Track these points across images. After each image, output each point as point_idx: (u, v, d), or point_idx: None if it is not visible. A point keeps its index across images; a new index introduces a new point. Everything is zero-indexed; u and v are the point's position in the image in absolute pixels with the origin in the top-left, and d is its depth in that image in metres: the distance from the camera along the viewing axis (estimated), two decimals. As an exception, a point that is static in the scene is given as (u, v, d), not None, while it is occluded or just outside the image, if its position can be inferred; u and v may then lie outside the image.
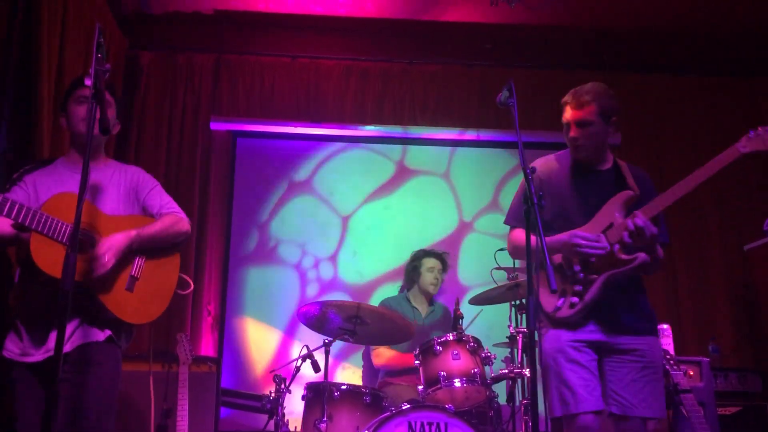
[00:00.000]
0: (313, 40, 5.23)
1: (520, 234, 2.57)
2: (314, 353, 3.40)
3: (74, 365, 2.20)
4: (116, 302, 2.31)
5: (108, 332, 2.29)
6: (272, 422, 3.32)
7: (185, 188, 4.79)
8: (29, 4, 3.62)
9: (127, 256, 2.35)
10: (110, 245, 2.28)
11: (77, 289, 2.14)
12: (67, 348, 2.20)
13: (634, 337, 2.38)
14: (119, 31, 4.79)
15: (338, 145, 5.14)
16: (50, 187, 2.36)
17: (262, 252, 4.91)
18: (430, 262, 4.08)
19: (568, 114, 2.60)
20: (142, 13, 5.02)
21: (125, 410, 3.39)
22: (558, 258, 2.45)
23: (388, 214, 5.02)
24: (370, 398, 3.23)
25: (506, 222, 2.67)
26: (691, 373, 3.14)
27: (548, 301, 2.43)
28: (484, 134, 5.11)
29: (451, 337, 3.25)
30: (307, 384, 3.37)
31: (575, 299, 2.36)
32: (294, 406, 3.67)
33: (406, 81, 5.25)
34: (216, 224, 4.89)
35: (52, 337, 2.12)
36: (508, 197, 3.67)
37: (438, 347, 3.24)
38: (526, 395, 3.27)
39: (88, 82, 2.08)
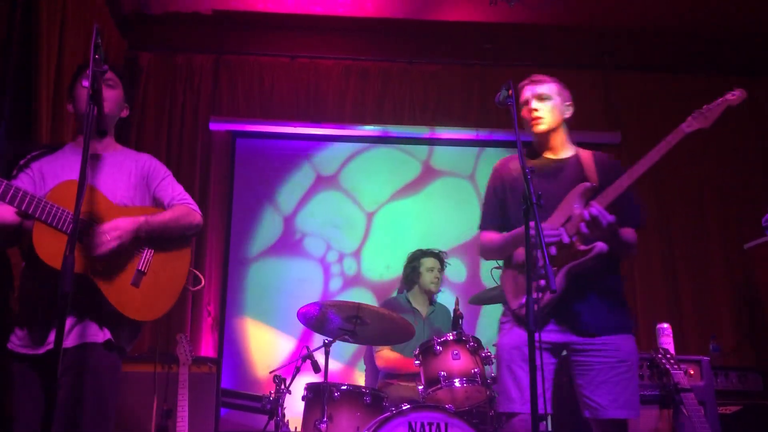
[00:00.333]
0: (313, 40, 5.23)
1: (490, 236, 2.59)
2: (315, 353, 3.40)
3: (71, 369, 2.13)
4: (119, 297, 2.21)
5: (107, 334, 2.20)
6: (272, 423, 3.32)
7: (185, 188, 4.74)
8: (29, 5, 3.62)
9: (134, 247, 2.26)
10: (115, 226, 2.19)
11: (79, 282, 2.11)
12: (68, 343, 2.13)
13: (602, 337, 2.34)
14: (118, 32, 4.79)
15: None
16: (57, 173, 2.28)
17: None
18: (429, 262, 4.08)
19: (528, 92, 2.60)
20: (142, 13, 5.03)
21: (125, 411, 3.39)
22: (521, 256, 2.44)
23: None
24: (370, 398, 3.22)
25: (480, 225, 2.67)
26: (692, 372, 3.14)
27: (513, 297, 2.44)
28: (484, 134, 5.11)
29: (451, 337, 3.24)
30: (307, 384, 3.37)
31: (539, 294, 2.34)
32: (294, 406, 3.67)
33: (406, 81, 5.25)
34: (216, 224, 4.89)
35: (54, 331, 2.02)
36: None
37: (438, 347, 3.23)
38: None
39: (85, 83, 2.06)
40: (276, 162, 5.10)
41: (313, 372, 3.37)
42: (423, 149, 5.20)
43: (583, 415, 2.35)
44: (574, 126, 5.70)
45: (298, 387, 3.43)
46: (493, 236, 2.59)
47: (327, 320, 3.37)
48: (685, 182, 5.19)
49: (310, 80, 5.19)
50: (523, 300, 2.35)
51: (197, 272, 2.68)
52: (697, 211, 5.14)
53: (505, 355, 2.41)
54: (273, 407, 3.30)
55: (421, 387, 3.29)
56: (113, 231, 2.18)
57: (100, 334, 2.20)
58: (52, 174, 2.29)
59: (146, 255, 2.31)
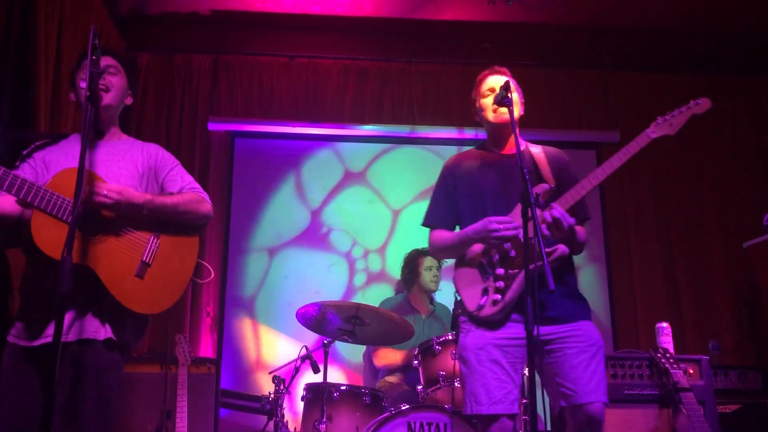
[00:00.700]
0: (311, 40, 5.23)
1: (442, 234, 2.53)
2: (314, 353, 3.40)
3: (71, 367, 2.08)
4: (123, 290, 2.15)
5: (109, 331, 2.14)
6: (272, 423, 3.32)
7: (184, 189, 4.78)
8: (26, 6, 3.61)
9: (139, 235, 2.21)
10: (120, 189, 2.13)
11: (81, 274, 2.07)
12: (69, 337, 2.08)
13: (564, 325, 2.32)
14: (117, 33, 4.78)
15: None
16: (61, 163, 2.23)
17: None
18: (427, 261, 4.07)
19: (491, 80, 2.57)
20: (140, 14, 5.02)
21: (125, 412, 3.38)
22: (477, 253, 2.41)
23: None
24: (369, 399, 3.23)
25: (426, 223, 2.61)
26: (691, 371, 3.13)
27: (471, 300, 2.38)
28: (483, 133, 5.09)
29: (451, 337, 3.24)
30: (306, 385, 3.37)
31: (497, 296, 2.32)
32: (293, 406, 3.67)
33: (405, 80, 5.25)
34: (215, 225, 4.88)
35: (52, 324, 1.92)
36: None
37: (437, 347, 3.23)
38: (526, 395, 3.26)
39: (83, 84, 2.05)
40: (275, 162, 5.09)
41: (312, 372, 3.37)
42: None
43: (558, 407, 2.31)
44: (573, 125, 5.73)
45: (298, 387, 3.43)
46: (445, 234, 2.53)
47: (326, 320, 3.37)
48: (684, 181, 5.19)
49: (309, 80, 5.18)
50: (482, 301, 2.33)
51: (206, 264, 2.59)
52: (696, 210, 5.14)
53: (470, 356, 2.34)
54: (272, 408, 3.30)
55: (420, 387, 3.29)
56: (114, 192, 2.12)
57: (101, 331, 2.13)
58: (56, 163, 2.24)
59: (151, 246, 2.24)
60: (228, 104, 5.08)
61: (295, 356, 3.45)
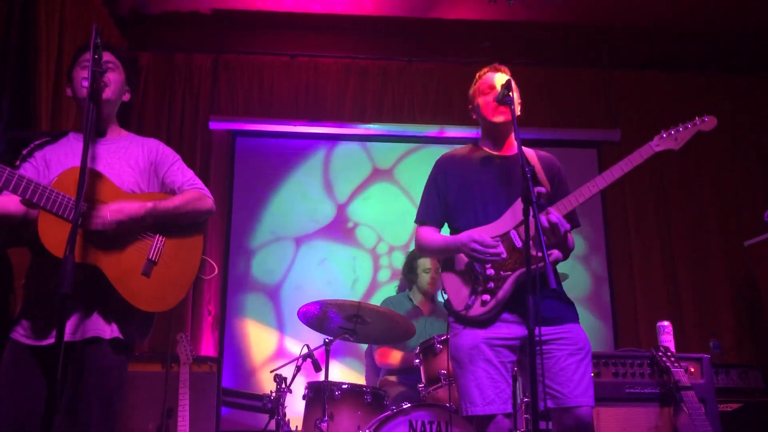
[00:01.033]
0: (312, 39, 5.23)
1: (431, 234, 2.50)
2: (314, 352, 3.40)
3: (76, 367, 2.08)
4: (129, 288, 2.14)
5: (115, 330, 2.14)
6: (273, 422, 3.32)
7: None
8: (27, 6, 3.62)
9: (143, 235, 2.21)
10: (119, 208, 2.11)
11: (87, 273, 2.07)
12: (75, 337, 2.07)
13: (553, 327, 2.31)
14: (117, 32, 4.79)
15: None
16: (62, 161, 2.22)
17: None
18: (425, 263, 4.05)
19: (491, 78, 2.51)
20: (141, 13, 5.02)
21: (126, 411, 3.39)
22: (463, 261, 2.39)
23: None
24: (371, 397, 3.23)
25: (417, 219, 2.56)
26: (692, 370, 3.13)
27: (458, 300, 2.36)
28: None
29: (449, 336, 3.23)
30: (308, 383, 3.37)
31: (487, 297, 2.30)
32: (295, 405, 3.68)
33: (405, 79, 5.25)
34: (216, 223, 4.89)
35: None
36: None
37: (439, 345, 3.23)
38: (527, 394, 3.26)
39: (85, 83, 2.04)
40: (276, 161, 5.10)
41: (313, 371, 3.37)
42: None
43: (545, 407, 2.29)
44: (573, 124, 5.73)
45: (299, 386, 3.43)
46: (434, 235, 2.49)
47: (327, 319, 3.37)
48: (685, 180, 5.20)
49: (310, 79, 5.19)
50: (470, 301, 2.31)
51: (210, 260, 2.58)
52: (697, 209, 5.14)
53: (463, 357, 2.32)
54: (274, 406, 3.31)
55: (421, 385, 3.30)
56: (115, 213, 2.11)
57: (107, 329, 2.13)
58: (57, 162, 2.24)
59: (157, 244, 2.24)
60: (229, 103, 5.09)
61: (297, 355, 3.45)
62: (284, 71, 5.18)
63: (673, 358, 3.04)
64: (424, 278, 4.06)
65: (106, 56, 2.28)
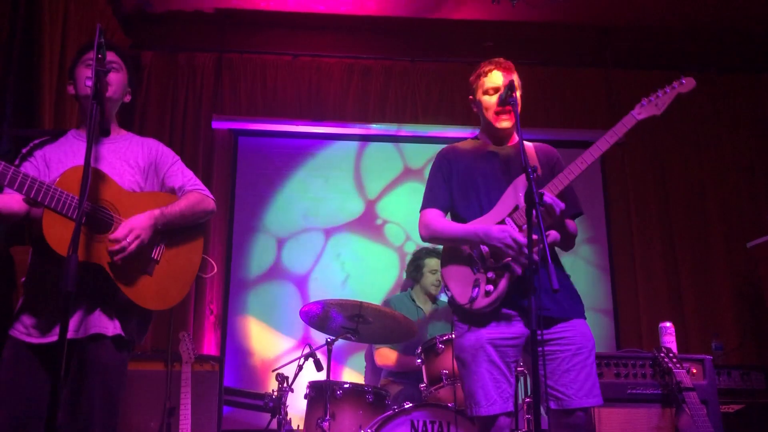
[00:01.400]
0: (315, 39, 5.23)
1: (441, 219, 2.45)
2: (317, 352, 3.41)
3: (79, 364, 2.09)
4: (133, 286, 2.17)
5: (118, 327, 2.15)
6: (275, 421, 3.33)
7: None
8: (31, 4, 3.62)
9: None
10: (132, 227, 2.14)
11: (91, 271, 2.08)
12: (78, 334, 2.08)
13: (558, 325, 2.29)
14: (121, 31, 4.79)
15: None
16: (62, 161, 2.24)
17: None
18: (432, 263, 4.04)
19: (498, 78, 2.48)
20: (144, 12, 5.03)
21: (128, 409, 3.39)
22: (466, 246, 2.37)
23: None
24: (372, 397, 3.23)
25: (426, 206, 2.51)
26: (694, 371, 3.13)
27: (462, 293, 2.33)
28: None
29: (454, 336, 3.24)
30: (309, 383, 3.37)
31: (490, 287, 2.28)
32: (297, 404, 3.68)
33: (408, 79, 5.25)
34: (218, 222, 4.89)
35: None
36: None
37: (441, 346, 3.24)
38: (529, 393, 3.26)
39: (89, 83, 2.05)
40: (278, 160, 5.10)
41: (315, 370, 3.37)
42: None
43: (547, 407, 2.29)
44: (576, 124, 5.72)
45: (301, 385, 3.43)
46: (446, 221, 2.45)
47: (329, 319, 3.38)
48: (687, 181, 5.19)
49: (312, 79, 5.19)
50: (474, 293, 2.29)
51: (210, 259, 2.61)
52: (699, 210, 5.13)
53: (467, 357, 2.32)
54: (275, 405, 3.31)
55: (423, 385, 3.30)
56: (131, 233, 2.13)
57: (109, 326, 2.14)
58: (57, 161, 2.25)
59: (159, 243, 2.27)
60: (231, 102, 5.09)
61: (299, 354, 3.45)
62: (287, 71, 5.18)
63: (675, 359, 3.04)
64: (430, 279, 4.05)
65: (110, 56, 2.29)
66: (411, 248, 4.80)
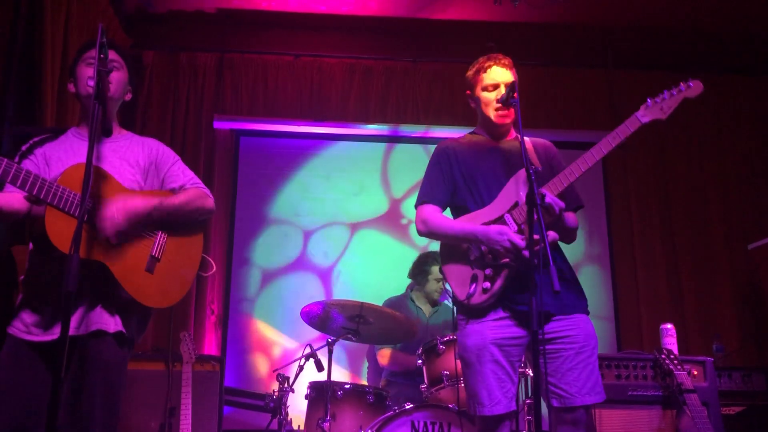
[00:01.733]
0: (316, 39, 5.23)
1: (439, 216, 2.43)
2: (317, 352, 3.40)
3: (80, 361, 2.08)
4: (134, 284, 2.16)
5: (119, 323, 2.14)
6: (275, 421, 3.33)
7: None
8: (33, 4, 3.62)
9: (147, 232, 2.22)
10: (124, 207, 2.13)
11: (93, 269, 2.08)
12: (79, 331, 2.07)
13: (560, 321, 2.28)
14: (122, 31, 4.79)
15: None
16: (62, 159, 2.23)
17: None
18: (438, 271, 4.01)
19: (497, 74, 2.47)
20: (145, 12, 5.03)
21: (129, 409, 3.39)
22: (473, 252, 2.36)
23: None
24: (373, 398, 3.23)
25: (423, 200, 2.49)
26: (695, 372, 3.12)
27: (460, 289, 2.33)
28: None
29: (454, 337, 3.24)
30: (310, 383, 3.37)
31: (487, 284, 2.28)
32: (297, 404, 3.68)
33: (410, 79, 5.25)
34: (219, 222, 4.90)
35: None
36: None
37: (441, 346, 3.23)
38: (529, 394, 3.26)
39: (90, 83, 2.04)
40: (279, 160, 5.10)
41: (316, 370, 3.37)
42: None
43: (549, 405, 2.29)
44: (577, 125, 5.71)
45: (302, 385, 3.43)
46: (442, 219, 2.44)
47: (330, 319, 3.38)
48: (688, 182, 5.19)
49: (314, 79, 5.19)
50: (471, 289, 2.29)
51: (209, 258, 2.62)
52: (700, 212, 5.13)
53: (471, 357, 2.31)
54: (276, 406, 3.31)
55: (424, 386, 3.30)
56: (122, 213, 2.12)
57: (111, 322, 2.14)
58: (57, 159, 2.24)
59: (159, 240, 2.27)
60: (233, 102, 5.09)
61: (299, 354, 3.45)
62: (288, 71, 5.18)
63: (676, 361, 3.04)
64: (434, 285, 4.05)
65: (111, 55, 2.28)
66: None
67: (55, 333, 2.08)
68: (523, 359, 2.41)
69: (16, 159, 2.25)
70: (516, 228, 2.29)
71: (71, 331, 1.97)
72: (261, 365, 4.72)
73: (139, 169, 2.34)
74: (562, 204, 2.24)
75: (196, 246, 2.39)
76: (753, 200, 5.12)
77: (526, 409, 3.24)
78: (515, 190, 2.34)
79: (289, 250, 4.95)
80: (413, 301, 4.09)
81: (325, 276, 4.93)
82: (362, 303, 3.26)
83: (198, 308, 4.67)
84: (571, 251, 2.53)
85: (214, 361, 3.74)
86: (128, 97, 2.43)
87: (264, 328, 4.80)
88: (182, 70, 5.07)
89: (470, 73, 2.58)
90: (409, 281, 4.24)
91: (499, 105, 2.44)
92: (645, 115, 2.36)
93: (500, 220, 2.33)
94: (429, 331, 3.90)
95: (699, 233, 5.08)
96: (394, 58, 5.24)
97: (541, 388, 2.04)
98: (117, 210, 2.13)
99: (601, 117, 5.29)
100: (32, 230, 2.16)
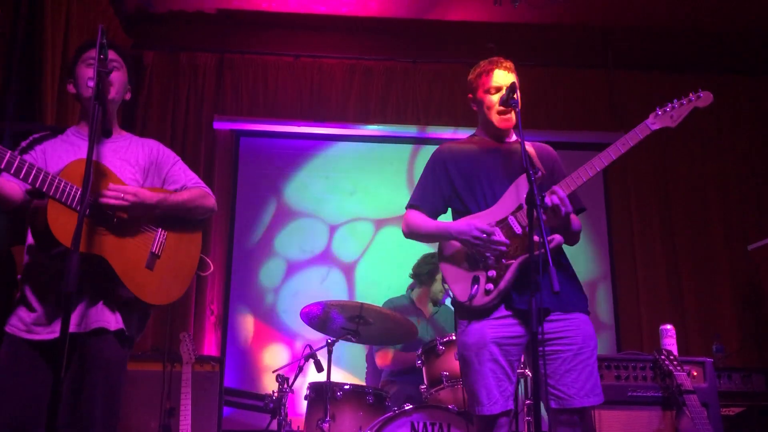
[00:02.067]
0: (316, 39, 5.23)
1: (420, 218, 2.47)
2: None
3: (80, 359, 2.06)
4: (135, 280, 2.16)
5: (120, 321, 2.13)
6: (275, 422, 3.33)
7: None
8: (34, 3, 3.63)
9: (147, 228, 2.23)
10: (135, 191, 2.16)
11: (93, 264, 2.07)
12: (80, 328, 2.07)
13: (559, 321, 2.28)
14: (122, 31, 4.80)
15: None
16: (62, 158, 2.22)
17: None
18: None
19: (499, 77, 2.50)
20: (146, 12, 5.03)
21: (129, 409, 3.39)
22: (453, 247, 2.38)
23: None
24: (372, 398, 3.23)
25: (410, 203, 2.53)
26: (695, 373, 3.12)
27: (461, 290, 2.33)
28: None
29: (454, 337, 3.24)
30: (309, 384, 3.37)
31: (490, 285, 2.28)
32: (297, 405, 3.68)
33: (410, 80, 5.25)
34: (219, 223, 4.90)
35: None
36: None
37: (441, 347, 3.23)
38: (529, 395, 3.26)
39: (90, 83, 2.04)
40: (279, 161, 5.10)
41: (315, 371, 3.37)
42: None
43: (547, 406, 2.29)
44: (578, 126, 5.71)
45: (301, 386, 3.43)
46: (424, 220, 2.46)
47: (330, 320, 3.38)
48: (688, 183, 5.19)
49: (314, 79, 5.19)
50: (473, 290, 2.29)
51: (206, 258, 2.62)
52: (700, 213, 5.13)
53: (471, 356, 2.31)
54: (276, 406, 3.31)
55: (423, 387, 3.30)
56: (131, 195, 2.14)
57: (112, 320, 2.13)
58: (56, 158, 2.24)
59: (159, 237, 2.27)
60: (233, 103, 5.09)
61: (299, 355, 3.45)
62: (288, 71, 5.18)
63: (675, 362, 3.04)
64: (438, 287, 4.04)
65: (111, 55, 2.28)
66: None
67: (55, 331, 2.07)
68: (522, 359, 2.42)
69: (16, 153, 2.25)
70: (521, 230, 2.29)
71: (71, 328, 1.96)
72: (261, 366, 4.71)
73: (139, 168, 2.35)
74: (569, 207, 2.24)
75: (195, 244, 2.40)
76: (753, 200, 5.12)
77: (525, 410, 3.24)
78: (517, 192, 2.34)
79: (289, 249, 4.95)
80: (412, 301, 4.09)
81: (325, 276, 4.92)
82: (362, 304, 3.27)
83: (198, 309, 4.67)
84: (571, 251, 2.53)
85: (213, 361, 3.74)
86: (128, 96, 2.44)
87: (264, 329, 4.79)
88: (182, 70, 5.07)
89: (472, 76, 2.60)
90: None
91: (502, 108, 2.45)
92: (654, 123, 2.39)
93: (504, 222, 2.34)
94: (429, 332, 3.90)
95: (699, 233, 5.08)
96: (394, 59, 5.24)
97: (540, 389, 2.04)
98: (124, 190, 2.14)
99: (601, 117, 5.29)
100: (33, 224, 2.14)
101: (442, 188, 2.51)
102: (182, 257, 2.34)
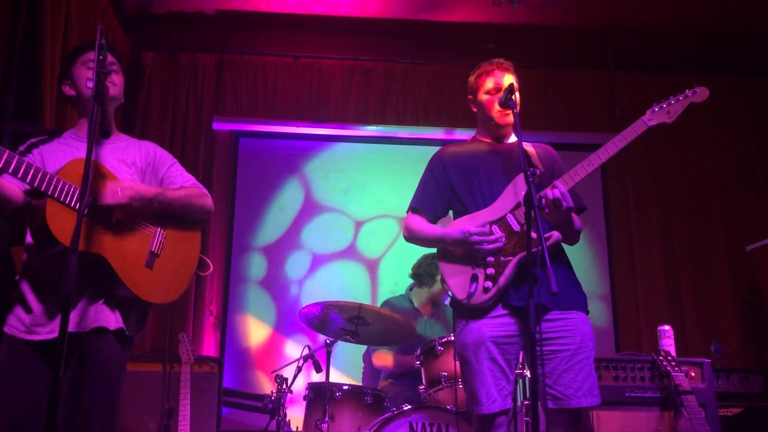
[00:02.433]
0: (316, 40, 5.24)
1: (421, 223, 2.49)
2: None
3: (80, 359, 2.06)
4: (134, 279, 2.16)
5: (120, 320, 2.14)
6: (274, 422, 3.33)
7: (188, 188, 4.79)
8: (33, 4, 3.63)
9: (146, 227, 2.23)
10: (131, 186, 2.18)
11: (93, 263, 2.08)
12: (80, 327, 2.07)
13: (557, 320, 2.28)
14: (122, 31, 4.80)
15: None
16: (60, 159, 2.23)
17: None
18: None
19: (500, 78, 2.53)
20: (145, 13, 5.03)
21: (127, 410, 3.39)
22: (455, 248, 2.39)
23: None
24: (371, 399, 3.24)
25: (411, 206, 2.56)
26: (693, 374, 3.13)
27: (459, 289, 2.34)
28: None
29: (453, 338, 3.24)
30: (308, 384, 3.38)
31: (489, 283, 2.29)
32: (296, 406, 3.68)
33: (409, 81, 5.25)
34: (218, 224, 4.90)
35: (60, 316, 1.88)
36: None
37: (440, 348, 3.24)
38: (527, 396, 3.26)
39: (90, 84, 2.05)
40: (279, 162, 5.10)
41: (314, 372, 3.38)
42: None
43: (544, 406, 2.29)
44: (578, 127, 5.71)
45: (300, 387, 3.44)
46: (422, 225, 2.49)
47: (329, 320, 3.38)
48: (687, 183, 5.19)
49: (313, 80, 5.19)
50: (472, 288, 2.30)
51: (206, 258, 2.63)
52: (699, 213, 5.13)
53: (469, 355, 2.32)
54: (275, 407, 3.31)
55: (422, 387, 3.30)
56: (127, 189, 2.15)
57: (111, 319, 2.13)
58: (54, 159, 2.25)
59: (158, 236, 2.28)
60: (232, 104, 5.10)
61: (298, 356, 3.46)
62: (288, 72, 5.19)
63: (673, 363, 3.04)
64: (439, 288, 4.04)
65: (110, 57, 2.30)
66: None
67: (54, 331, 2.07)
68: (520, 359, 2.42)
69: (15, 153, 2.25)
70: (519, 228, 2.31)
71: (71, 328, 1.96)
72: (260, 366, 4.72)
73: (137, 169, 2.36)
74: (570, 203, 2.25)
75: (194, 244, 2.41)
76: (752, 200, 5.12)
77: (524, 410, 3.24)
78: (518, 191, 2.35)
79: (288, 249, 4.95)
80: (411, 301, 4.09)
81: (325, 276, 4.93)
82: (361, 304, 3.27)
83: (197, 309, 4.68)
84: (569, 251, 2.53)
85: (212, 362, 3.74)
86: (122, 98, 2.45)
87: (263, 330, 4.80)
88: (182, 71, 5.08)
89: (472, 78, 2.63)
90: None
91: (501, 109, 2.47)
92: (651, 119, 2.39)
93: (502, 220, 2.35)
94: (427, 333, 3.91)
95: (698, 233, 5.08)
96: (393, 60, 5.25)
97: (538, 389, 2.04)
98: (121, 186, 2.15)
99: (601, 118, 5.29)
100: (32, 223, 2.14)
101: (441, 190, 2.52)
102: (181, 256, 2.34)
